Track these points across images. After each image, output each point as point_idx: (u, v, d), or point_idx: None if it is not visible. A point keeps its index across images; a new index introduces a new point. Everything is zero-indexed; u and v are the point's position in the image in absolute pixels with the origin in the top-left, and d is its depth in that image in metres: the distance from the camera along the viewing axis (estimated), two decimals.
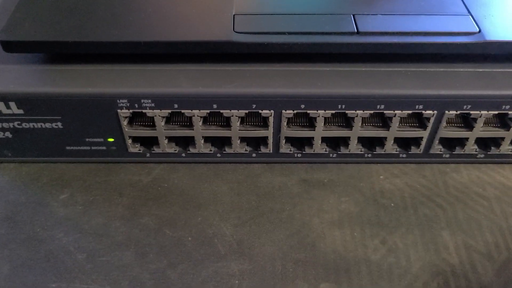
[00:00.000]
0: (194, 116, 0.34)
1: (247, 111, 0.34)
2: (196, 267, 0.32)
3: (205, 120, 0.35)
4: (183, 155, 0.38)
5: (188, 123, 0.35)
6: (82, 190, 0.36)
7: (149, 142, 0.37)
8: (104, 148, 0.37)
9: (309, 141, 0.37)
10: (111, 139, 0.36)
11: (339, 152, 0.37)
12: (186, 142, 0.37)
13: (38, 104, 0.34)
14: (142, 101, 0.34)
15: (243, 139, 0.37)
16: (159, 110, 0.34)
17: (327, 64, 0.35)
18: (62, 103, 0.34)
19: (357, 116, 0.34)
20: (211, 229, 0.34)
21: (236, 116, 0.34)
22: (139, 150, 0.37)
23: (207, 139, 0.37)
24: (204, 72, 0.34)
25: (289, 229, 0.34)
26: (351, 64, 0.35)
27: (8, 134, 0.36)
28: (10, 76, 0.34)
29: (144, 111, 0.34)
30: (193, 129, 0.35)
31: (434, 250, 0.33)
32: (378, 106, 0.34)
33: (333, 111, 0.34)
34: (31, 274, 0.31)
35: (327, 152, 0.37)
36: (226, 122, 0.35)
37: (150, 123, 0.36)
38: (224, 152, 0.37)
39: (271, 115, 0.34)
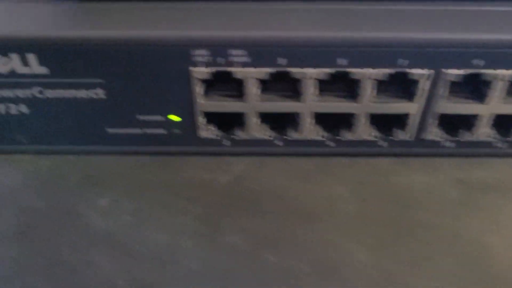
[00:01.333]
0: (305, 78, 0.23)
1: (390, 71, 0.22)
2: None
3: (320, 87, 0.24)
4: (280, 143, 0.26)
5: (292, 91, 0.24)
6: (131, 193, 0.24)
7: (229, 124, 0.25)
8: (163, 131, 0.25)
9: (468, 122, 0.25)
10: (175, 118, 0.25)
11: (508, 140, 0.25)
12: (280, 124, 0.26)
13: (71, 58, 0.22)
14: (231, 52, 0.22)
15: (373, 119, 0.25)
16: (254, 69, 0.22)
17: None
18: (107, 57, 0.22)
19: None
20: (335, 252, 0.22)
21: (370, 79, 0.23)
22: (216, 135, 0.25)
23: (317, 119, 0.25)
24: (321, 12, 0.23)
25: (459, 254, 0.22)
26: None
27: (23, 107, 0.24)
28: (30, 16, 0.23)
29: (230, 69, 0.22)
30: (300, 102, 0.24)
31: None
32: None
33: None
34: None
35: (493, 139, 0.25)
36: (350, 91, 0.24)
37: (236, 92, 0.24)
38: (339, 139, 0.25)
39: (426, 77, 0.23)
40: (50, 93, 0.23)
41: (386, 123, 0.25)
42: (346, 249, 0.22)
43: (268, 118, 0.25)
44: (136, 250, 0.22)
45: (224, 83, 0.24)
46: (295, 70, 0.22)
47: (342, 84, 0.24)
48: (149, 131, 0.25)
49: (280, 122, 0.25)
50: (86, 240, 0.22)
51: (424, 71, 0.22)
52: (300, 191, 0.24)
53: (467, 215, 0.23)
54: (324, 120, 0.25)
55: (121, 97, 0.23)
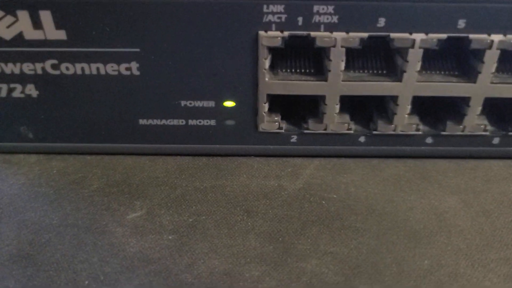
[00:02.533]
0: (413, 48, 0.17)
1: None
2: None
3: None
4: (362, 139, 0.20)
5: (392, 66, 0.18)
6: (171, 204, 0.18)
7: (292, 114, 0.20)
8: (212, 123, 0.19)
9: None
10: (230, 103, 0.19)
11: None
12: (365, 114, 0.20)
13: (96, 19, 0.16)
14: (315, 8, 0.16)
15: (488, 108, 0.19)
16: (344, 33, 0.17)
17: None
18: (145, 18, 0.16)
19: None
20: (457, 284, 0.16)
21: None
22: (280, 128, 0.20)
23: (414, 107, 0.19)
24: None
25: None
26: None
27: (31, 89, 0.18)
28: None
29: (312, 34, 0.17)
30: (401, 81, 0.18)
31: None
32: None
33: None
34: None
35: None
36: (460, 69, 0.18)
37: (312, 67, 0.18)
38: (442, 134, 0.19)
39: None
40: (67, 68, 0.18)
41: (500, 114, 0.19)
42: (475, 277, 0.16)
43: (345, 106, 0.19)
44: (182, 280, 0.16)
45: (294, 56, 0.18)
46: (398, 36, 0.17)
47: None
48: (195, 122, 0.19)
49: (360, 111, 0.20)
50: (114, 266, 0.16)
51: None
52: (395, 203, 0.18)
53: None
54: (422, 109, 0.19)
55: (161, 74, 0.18)
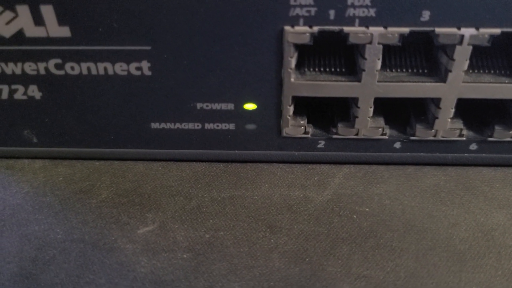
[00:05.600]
0: (460, 44, 0.15)
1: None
2: None
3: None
4: (397, 145, 0.18)
5: (428, 65, 0.16)
6: (186, 217, 0.17)
7: (324, 119, 0.18)
8: (232, 127, 0.17)
9: None
10: (251, 105, 0.17)
11: None
12: (401, 119, 0.18)
13: (104, 14, 0.15)
14: (351, 0, 0.14)
15: None
16: (382, 28, 0.15)
17: None
18: (158, 13, 0.15)
19: None
20: None
21: None
22: (306, 132, 0.18)
23: (458, 110, 0.17)
24: None
25: None
26: None
27: (34, 90, 0.17)
28: None
29: (346, 29, 0.15)
30: (445, 82, 0.16)
31: None
32: None
33: None
34: None
35: None
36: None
37: (341, 66, 0.16)
38: (487, 139, 0.17)
39: None
40: (72, 68, 0.16)
41: None
42: None
43: (379, 109, 0.17)
44: None
45: (324, 54, 0.16)
46: (444, 31, 0.15)
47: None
48: (211, 125, 0.17)
49: (395, 114, 0.18)
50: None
51: None
52: (436, 218, 0.16)
53: None
54: (466, 112, 0.17)
55: (175, 74, 0.16)
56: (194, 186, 0.18)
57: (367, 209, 0.17)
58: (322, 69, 0.16)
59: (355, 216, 0.17)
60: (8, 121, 0.18)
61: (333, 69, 0.16)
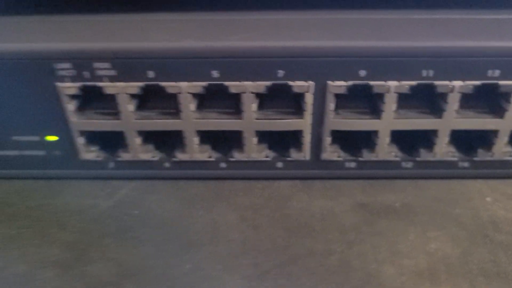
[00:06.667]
0: (181, 93, 0.21)
1: (268, 83, 0.21)
2: None
3: (200, 102, 0.22)
4: (166, 165, 0.24)
5: (172, 107, 0.22)
6: (3, 219, 0.23)
7: (112, 144, 0.24)
8: (41, 153, 0.23)
9: (369, 140, 0.23)
10: (51, 138, 0.23)
11: (417, 160, 0.23)
12: (169, 144, 0.24)
13: None
14: (95, 65, 0.20)
15: (262, 137, 0.23)
16: (123, 83, 0.21)
17: (397, 11, 0.22)
18: None
19: (452, 91, 0.21)
20: (209, 283, 0.20)
21: (250, 92, 0.21)
22: (97, 157, 0.24)
23: (203, 138, 0.23)
24: (190, 22, 0.22)
25: (344, 284, 0.19)
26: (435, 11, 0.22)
27: None
28: None
29: (98, 84, 0.21)
30: (180, 118, 0.22)
31: None
32: (490, 72, 0.20)
33: (414, 82, 0.20)
34: None
35: (398, 159, 0.23)
36: (234, 106, 0.22)
37: (112, 108, 0.22)
38: (231, 160, 0.23)
39: (309, 90, 0.21)
40: None
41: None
42: (223, 280, 0.20)
43: (152, 138, 0.23)
44: None
45: (99, 101, 0.22)
46: (168, 85, 0.21)
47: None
48: (26, 152, 0.23)
49: (167, 142, 0.24)
50: None
51: (307, 83, 0.21)
52: (184, 217, 0.22)
53: (362, 242, 0.21)
54: (214, 137, 0.23)
55: None
56: (16, 197, 0.23)
57: (137, 212, 0.23)
58: (98, 110, 0.22)
59: (125, 217, 0.22)
60: None
61: (107, 110, 0.22)
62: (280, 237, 0.21)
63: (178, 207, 0.23)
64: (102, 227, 0.22)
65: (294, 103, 0.22)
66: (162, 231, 0.22)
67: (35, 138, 0.23)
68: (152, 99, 0.22)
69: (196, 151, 0.23)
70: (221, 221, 0.22)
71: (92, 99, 0.22)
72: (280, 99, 0.22)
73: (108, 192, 0.24)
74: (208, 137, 0.23)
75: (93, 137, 0.23)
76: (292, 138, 0.23)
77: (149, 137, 0.23)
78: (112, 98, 0.21)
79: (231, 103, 0.22)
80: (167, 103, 0.22)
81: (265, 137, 0.23)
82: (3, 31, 0.21)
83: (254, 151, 0.23)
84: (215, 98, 0.22)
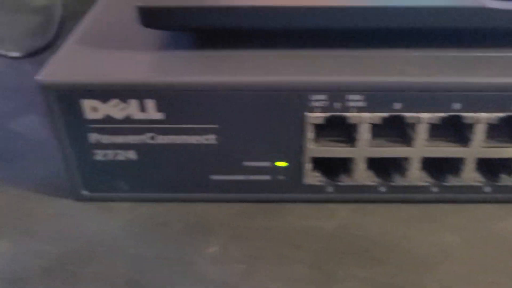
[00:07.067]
0: (419, 123, 0.23)
1: (503, 115, 0.23)
2: None
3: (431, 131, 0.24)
4: (383, 189, 0.25)
5: (403, 136, 0.24)
6: (236, 240, 0.24)
7: (332, 170, 0.25)
8: (268, 177, 0.25)
9: None
10: (282, 163, 0.24)
11: None
12: (383, 170, 0.25)
13: (188, 104, 0.22)
14: (348, 96, 0.22)
15: (480, 164, 0.25)
16: (369, 114, 0.23)
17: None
18: (224, 102, 0.22)
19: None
20: None
21: (482, 123, 0.23)
22: (320, 181, 0.25)
23: (423, 164, 0.25)
24: (432, 58, 0.23)
25: None
26: None
27: (132, 154, 0.24)
28: (145, 62, 0.23)
29: (345, 114, 0.23)
30: (410, 146, 0.24)
31: None
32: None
33: None
34: None
35: None
36: (460, 135, 0.24)
37: (344, 136, 0.24)
38: (444, 184, 0.25)
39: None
40: (162, 139, 0.23)
41: (491, 168, 0.25)
42: None
43: (373, 164, 0.25)
44: None
45: (334, 129, 0.24)
46: (409, 116, 0.22)
47: (449, 129, 0.24)
48: (254, 177, 0.25)
49: (383, 168, 0.25)
50: None
51: None
52: (407, 238, 0.24)
53: None
54: (429, 165, 0.25)
55: (232, 143, 0.24)
56: (239, 219, 0.25)
57: (361, 233, 0.24)
58: (332, 138, 0.24)
59: (351, 238, 0.24)
60: (108, 176, 0.25)
61: (338, 138, 0.24)
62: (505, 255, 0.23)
63: (399, 229, 0.24)
64: (335, 247, 0.23)
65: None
66: (393, 252, 0.23)
67: (266, 164, 0.24)
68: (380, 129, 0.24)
69: (416, 177, 0.24)
70: (443, 242, 0.24)
71: (328, 128, 0.24)
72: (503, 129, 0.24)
73: (326, 214, 0.25)
74: (427, 164, 0.25)
75: (319, 164, 0.25)
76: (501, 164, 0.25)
77: (371, 164, 0.25)
78: (351, 127, 0.23)
79: (453, 134, 0.24)
80: (400, 131, 0.24)
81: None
82: (247, 64, 0.23)
83: (469, 176, 0.24)
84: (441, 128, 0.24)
